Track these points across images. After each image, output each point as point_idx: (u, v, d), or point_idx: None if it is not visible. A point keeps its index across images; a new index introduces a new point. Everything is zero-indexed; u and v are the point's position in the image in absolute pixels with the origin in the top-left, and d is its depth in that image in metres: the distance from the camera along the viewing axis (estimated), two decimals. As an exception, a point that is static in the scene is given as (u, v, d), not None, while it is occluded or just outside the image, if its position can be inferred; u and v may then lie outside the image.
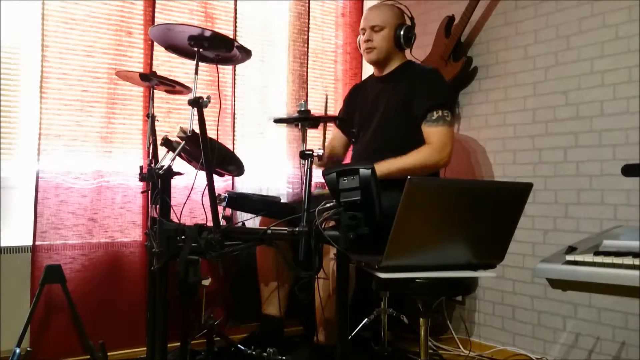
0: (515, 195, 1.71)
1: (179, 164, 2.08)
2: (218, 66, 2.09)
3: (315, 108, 3.07)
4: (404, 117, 2.41)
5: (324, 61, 3.20)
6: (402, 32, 2.48)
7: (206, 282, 2.24)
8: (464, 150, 2.86)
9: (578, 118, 2.41)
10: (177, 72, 2.63)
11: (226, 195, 2.17)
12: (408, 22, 2.55)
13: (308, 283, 1.84)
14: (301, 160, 1.85)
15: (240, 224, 2.29)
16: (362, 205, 1.65)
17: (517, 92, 2.65)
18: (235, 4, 2.82)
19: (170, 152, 2.01)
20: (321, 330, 2.32)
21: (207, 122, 1.81)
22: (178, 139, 1.96)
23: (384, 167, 2.30)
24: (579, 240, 1.51)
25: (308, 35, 3.05)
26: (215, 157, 1.93)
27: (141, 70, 2.54)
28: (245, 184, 2.81)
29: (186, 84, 2.15)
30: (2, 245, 2.33)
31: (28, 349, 2.21)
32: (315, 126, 2.15)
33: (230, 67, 2.78)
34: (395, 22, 2.50)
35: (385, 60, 2.54)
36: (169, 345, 1.97)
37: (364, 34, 2.54)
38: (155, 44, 2.51)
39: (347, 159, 2.87)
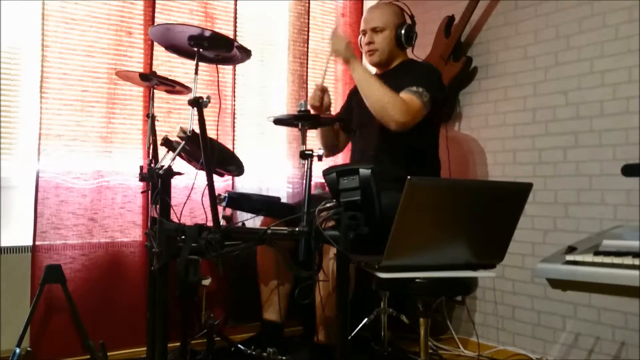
0: (515, 195, 1.71)
1: (179, 164, 2.08)
2: (218, 66, 2.09)
3: (315, 108, 3.07)
4: None
5: (324, 61, 3.20)
6: (402, 32, 2.48)
7: (206, 282, 2.24)
8: (464, 150, 2.86)
9: (578, 118, 2.41)
10: (177, 72, 2.63)
11: (226, 195, 2.18)
12: (408, 21, 2.54)
13: (307, 287, 1.84)
14: (301, 160, 1.86)
15: (240, 224, 2.29)
16: (362, 205, 1.65)
17: (517, 92, 2.65)
18: (235, 4, 2.82)
19: (170, 152, 2.01)
20: (321, 330, 2.32)
21: (207, 122, 1.81)
22: (178, 139, 1.97)
23: (363, 72, 2.32)
24: (579, 240, 1.51)
25: (308, 35, 3.05)
26: (215, 157, 1.93)
27: (141, 70, 2.54)
28: (245, 184, 2.81)
29: (186, 84, 2.15)
30: (2, 245, 2.32)
31: (28, 349, 2.22)
32: (315, 126, 2.15)
33: (230, 67, 2.78)
34: (396, 22, 2.49)
35: (388, 61, 2.54)
36: (169, 345, 1.97)
37: (364, 35, 2.54)
38: (155, 44, 2.51)
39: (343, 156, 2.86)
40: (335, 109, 3.05)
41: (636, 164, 2.04)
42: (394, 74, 2.52)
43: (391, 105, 2.24)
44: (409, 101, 2.27)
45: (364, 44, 2.55)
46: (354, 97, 2.75)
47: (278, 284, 2.50)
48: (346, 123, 2.70)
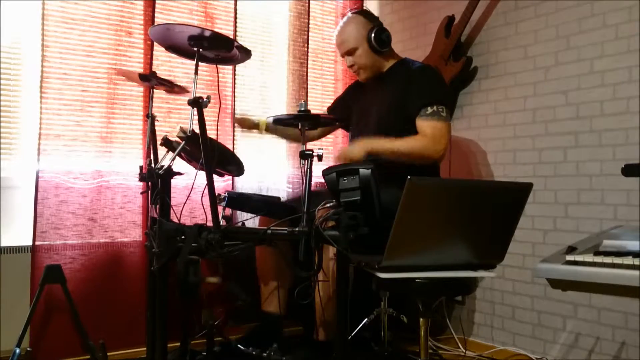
0: (515, 195, 1.71)
1: (179, 164, 2.08)
2: (218, 66, 2.09)
3: (315, 108, 3.08)
4: (399, 116, 2.40)
5: (324, 61, 3.20)
6: (372, 38, 2.43)
7: (213, 280, 2.24)
8: (464, 150, 2.86)
9: (578, 118, 2.41)
10: (177, 72, 2.63)
11: (226, 195, 2.18)
12: (373, 25, 2.48)
13: (307, 287, 1.85)
14: (301, 160, 1.86)
15: (240, 224, 2.29)
16: (362, 205, 1.65)
17: (517, 92, 2.65)
18: (235, 4, 2.82)
19: (170, 152, 2.01)
20: (320, 329, 2.32)
21: (207, 122, 1.81)
22: (178, 139, 1.97)
23: (379, 144, 2.28)
24: (579, 240, 1.51)
25: (308, 35, 3.05)
26: (215, 157, 1.93)
27: (141, 70, 2.54)
28: (245, 184, 2.81)
29: (186, 84, 2.15)
30: (2, 245, 2.33)
31: (28, 349, 2.22)
32: (314, 126, 2.15)
33: (230, 67, 2.78)
34: (364, 34, 2.44)
35: (377, 71, 2.52)
36: (169, 345, 1.97)
37: (343, 57, 2.55)
38: (155, 44, 2.51)
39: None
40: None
41: (636, 164, 2.04)
42: (389, 77, 2.51)
43: (424, 148, 2.28)
44: (434, 131, 2.29)
45: (347, 66, 2.56)
46: (352, 94, 2.75)
47: (278, 284, 2.51)
48: (344, 121, 2.70)
